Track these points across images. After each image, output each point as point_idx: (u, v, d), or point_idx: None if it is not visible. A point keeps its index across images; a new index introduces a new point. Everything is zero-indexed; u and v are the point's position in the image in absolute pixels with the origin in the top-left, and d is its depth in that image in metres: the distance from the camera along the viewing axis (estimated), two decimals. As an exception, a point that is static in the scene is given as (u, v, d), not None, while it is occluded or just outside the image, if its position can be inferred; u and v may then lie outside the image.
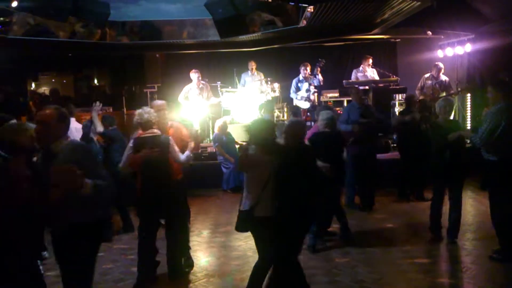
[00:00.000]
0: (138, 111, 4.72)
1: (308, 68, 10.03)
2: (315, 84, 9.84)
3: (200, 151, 9.22)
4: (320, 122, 5.78)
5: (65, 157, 3.08)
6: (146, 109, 4.75)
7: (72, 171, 2.81)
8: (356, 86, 9.14)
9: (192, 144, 4.83)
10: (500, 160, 4.89)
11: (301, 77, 10.09)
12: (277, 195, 3.94)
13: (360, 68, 10.57)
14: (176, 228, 4.87)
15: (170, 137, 4.72)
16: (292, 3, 7.31)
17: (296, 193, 3.93)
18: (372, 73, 10.52)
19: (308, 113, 9.94)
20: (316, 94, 9.90)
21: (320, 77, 9.92)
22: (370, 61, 10.53)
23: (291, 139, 4.20)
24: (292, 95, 10.25)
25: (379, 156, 8.24)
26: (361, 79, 10.42)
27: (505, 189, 4.92)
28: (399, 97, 10.77)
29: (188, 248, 5.19)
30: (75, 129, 6.25)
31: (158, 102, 5.15)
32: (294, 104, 10.20)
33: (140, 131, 4.74)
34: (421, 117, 7.45)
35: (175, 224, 4.86)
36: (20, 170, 3.02)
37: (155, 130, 4.65)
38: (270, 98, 10.67)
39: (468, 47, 9.90)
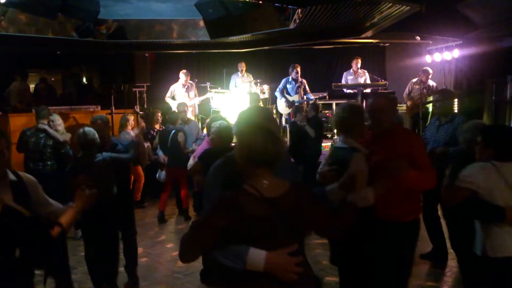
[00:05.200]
0: None
1: (298, 69, 10.00)
2: (310, 98, 9.92)
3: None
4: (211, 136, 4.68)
5: None
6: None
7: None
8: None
9: None
10: None
11: (290, 78, 10.08)
12: None
13: (351, 70, 10.58)
14: None
15: None
16: (278, 4, 7.28)
17: None
18: (363, 74, 10.49)
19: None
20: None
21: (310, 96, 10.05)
22: (359, 61, 10.51)
23: None
24: (277, 93, 10.14)
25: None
26: (350, 81, 10.44)
27: None
28: (387, 101, 10.81)
29: None
30: None
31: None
32: (277, 104, 10.18)
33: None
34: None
35: None
36: None
37: None
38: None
39: (456, 53, 9.99)
